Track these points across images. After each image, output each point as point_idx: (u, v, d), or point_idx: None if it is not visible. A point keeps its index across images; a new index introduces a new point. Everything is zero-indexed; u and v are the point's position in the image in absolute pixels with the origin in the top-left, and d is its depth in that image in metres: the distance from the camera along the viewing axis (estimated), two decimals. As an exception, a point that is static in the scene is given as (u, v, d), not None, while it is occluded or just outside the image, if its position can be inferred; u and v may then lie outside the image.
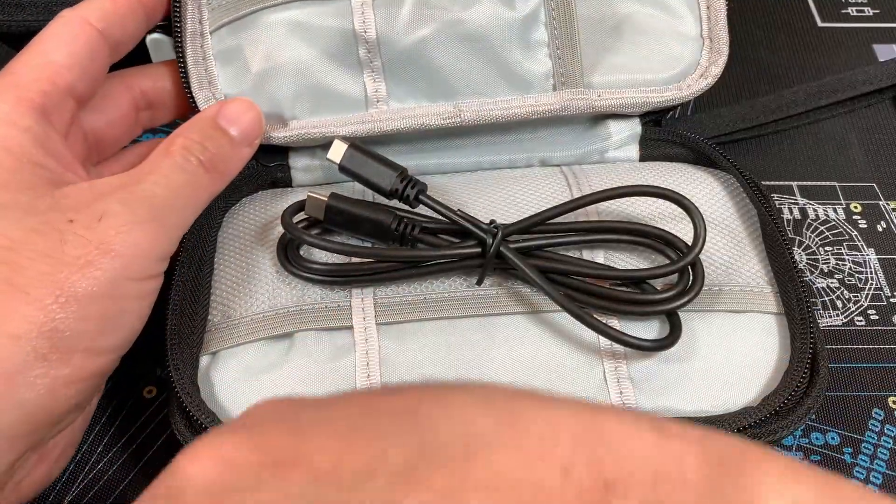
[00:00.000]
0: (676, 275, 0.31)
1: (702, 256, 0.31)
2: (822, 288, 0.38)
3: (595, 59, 0.34)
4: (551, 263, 0.31)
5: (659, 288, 0.31)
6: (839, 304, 0.37)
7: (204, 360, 0.30)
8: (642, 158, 0.37)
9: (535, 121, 0.35)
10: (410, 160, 0.35)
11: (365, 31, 0.33)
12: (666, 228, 0.32)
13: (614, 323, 0.30)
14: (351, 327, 0.30)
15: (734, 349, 0.30)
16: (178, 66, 0.32)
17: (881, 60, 0.46)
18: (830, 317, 0.37)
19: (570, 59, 0.34)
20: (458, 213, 0.31)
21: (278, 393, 0.29)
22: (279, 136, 0.33)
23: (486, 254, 0.30)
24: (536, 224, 0.31)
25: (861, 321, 0.36)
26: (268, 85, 0.32)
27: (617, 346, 0.30)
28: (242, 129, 0.30)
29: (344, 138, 0.32)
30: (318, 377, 0.29)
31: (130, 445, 0.33)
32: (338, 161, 0.31)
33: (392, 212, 0.31)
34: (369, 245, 0.32)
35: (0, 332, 0.24)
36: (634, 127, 0.36)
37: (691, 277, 0.31)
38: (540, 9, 0.34)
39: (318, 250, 0.32)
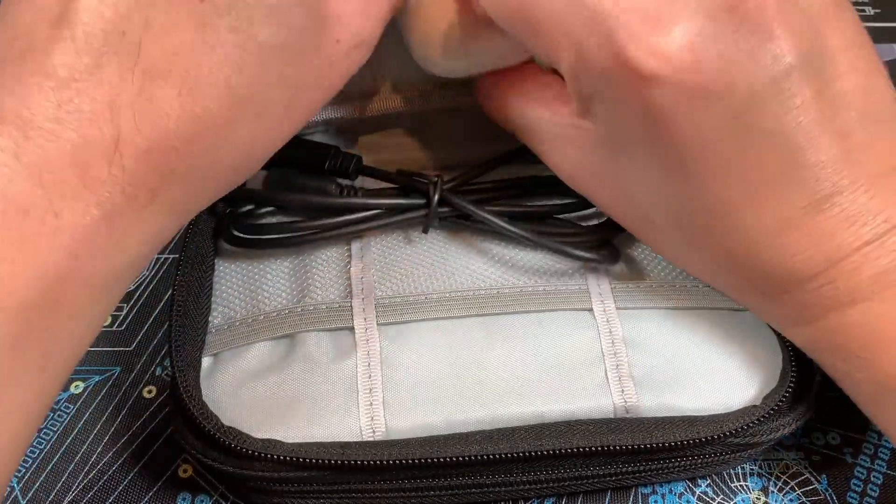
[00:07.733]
0: None
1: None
2: (823, 287, 0.38)
3: None
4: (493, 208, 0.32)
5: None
6: (840, 303, 0.37)
7: (205, 362, 0.30)
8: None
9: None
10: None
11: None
12: None
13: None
14: (352, 328, 0.30)
15: (735, 346, 0.30)
16: None
17: (883, 60, 0.46)
18: (831, 316, 0.37)
19: None
20: (398, 171, 0.32)
21: (279, 394, 0.29)
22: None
23: (430, 203, 0.31)
24: (475, 177, 0.32)
25: (862, 321, 0.36)
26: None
27: (618, 346, 0.30)
28: None
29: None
30: (319, 378, 0.29)
31: (130, 445, 0.33)
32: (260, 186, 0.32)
33: (334, 180, 0.32)
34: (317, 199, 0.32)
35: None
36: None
37: None
38: None
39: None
